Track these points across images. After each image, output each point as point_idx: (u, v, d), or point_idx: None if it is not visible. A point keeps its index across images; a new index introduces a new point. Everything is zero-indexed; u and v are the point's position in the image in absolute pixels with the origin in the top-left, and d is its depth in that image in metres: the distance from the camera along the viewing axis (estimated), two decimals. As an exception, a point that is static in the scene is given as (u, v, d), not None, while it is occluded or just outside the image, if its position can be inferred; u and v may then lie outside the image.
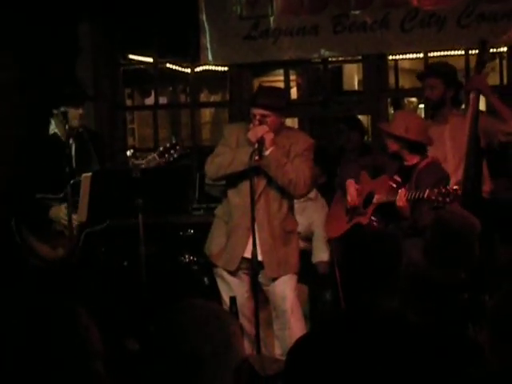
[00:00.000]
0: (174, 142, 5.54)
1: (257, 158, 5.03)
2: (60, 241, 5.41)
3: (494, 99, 5.83)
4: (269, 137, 5.10)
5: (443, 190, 4.91)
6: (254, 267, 5.04)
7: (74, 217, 5.29)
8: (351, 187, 5.50)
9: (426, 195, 4.99)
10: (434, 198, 4.93)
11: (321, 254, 6.27)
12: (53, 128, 5.54)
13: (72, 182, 5.33)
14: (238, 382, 2.07)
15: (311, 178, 5.33)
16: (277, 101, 5.22)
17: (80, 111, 5.46)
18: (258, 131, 5.10)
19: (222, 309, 2.15)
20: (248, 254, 5.10)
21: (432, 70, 6.03)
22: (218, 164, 5.26)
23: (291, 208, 5.42)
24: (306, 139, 5.41)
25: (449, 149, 5.74)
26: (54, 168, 5.42)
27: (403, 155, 5.40)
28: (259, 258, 5.08)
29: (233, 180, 5.29)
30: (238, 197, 5.27)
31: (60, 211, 5.37)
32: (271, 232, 5.23)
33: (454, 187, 4.96)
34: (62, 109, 5.41)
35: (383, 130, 5.48)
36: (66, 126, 5.40)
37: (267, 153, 5.09)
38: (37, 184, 5.40)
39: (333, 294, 6.06)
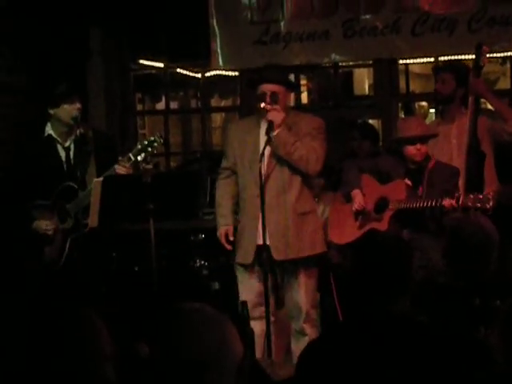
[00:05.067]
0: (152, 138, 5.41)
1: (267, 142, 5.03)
2: (47, 247, 5.38)
3: (493, 101, 5.85)
4: (279, 118, 5.06)
5: (480, 197, 4.87)
6: (265, 263, 5.03)
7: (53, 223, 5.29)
8: (358, 196, 5.47)
9: (460, 202, 4.93)
10: (470, 204, 4.87)
11: None
12: (48, 129, 5.41)
13: (61, 187, 5.29)
14: (239, 380, 2.08)
15: (324, 154, 5.20)
16: (286, 76, 5.23)
17: (76, 106, 5.29)
18: (273, 115, 5.06)
19: (213, 310, 2.15)
20: (260, 241, 5.08)
21: (445, 65, 6.06)
22: (215, 198, 5.47)
23: (305, 189, 5.28)
24: (315, 119, 5.33)
25: (454, 147, 5.74)
26: (46, 171, 5.34)
27: (425, 158, 5.36)
28: (267, 242, 5.05)
29: (240, 176, 5.30)
30: (245, 191, 5.25)
31: (42, 224, 5.31)
32: (279, 214, 5.13)
33: (491, 193, 4.91)
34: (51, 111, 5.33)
35: (418, 136, 5.33)
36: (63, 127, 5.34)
37: (274, 133, 5.05)
38: (27, 189, 5.33)
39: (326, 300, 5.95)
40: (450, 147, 5.75)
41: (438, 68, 6.14)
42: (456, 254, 3.87)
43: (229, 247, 5.25)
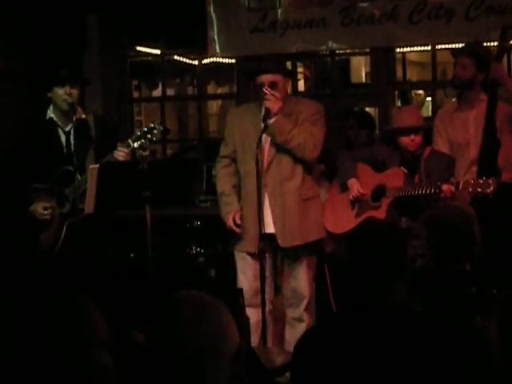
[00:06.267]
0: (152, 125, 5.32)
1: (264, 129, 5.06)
2: (44, 232, 5.38)
3: None
4: (276, 106, 5.09)
5: (480, 182, 4.89)
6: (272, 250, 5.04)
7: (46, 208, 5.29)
8: (356, 184, 5.47)
9: (460, 187, 4.96)
10: (470, 189, 4.92)
11: None
12: (49, 113, 5.41)
13: (59, 170, 5.28)
14: (235, 368, 2.08)
15: (322, 140, 5.25)
16: (282, 64, 5.24)
17: (67, 90, 5.26)
18: (270, 103, 5.09)
19: (211, 298, 2.15)
20: (267, 230, 5.12)
21: (465, 50, 5.87)
22: (217, 188, 5.47)
23: (308, 175, 5.31)
24: (314, 104, 5.40)
25: (472, 135, 5.60)
26: (46, 154, 5.33)
27: (419, 146, 5.37)
28: (272, 230, 5.12)
29: (241, 164, 5.32)
30: (248, 179, 5.26)
31: (38, 208, 5.31)
32: (283, 200, 5.19)
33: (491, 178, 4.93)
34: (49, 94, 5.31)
35: (412, 127, 5.33)
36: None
37: (271, 122, 5.08)
38: (28, 174, 5.31)
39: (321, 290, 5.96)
40: (468, 136, 5.63)
41: (457, 51, 5.98)
42: (443, 242, 3.85)
43: (238, 230, 5.26)
